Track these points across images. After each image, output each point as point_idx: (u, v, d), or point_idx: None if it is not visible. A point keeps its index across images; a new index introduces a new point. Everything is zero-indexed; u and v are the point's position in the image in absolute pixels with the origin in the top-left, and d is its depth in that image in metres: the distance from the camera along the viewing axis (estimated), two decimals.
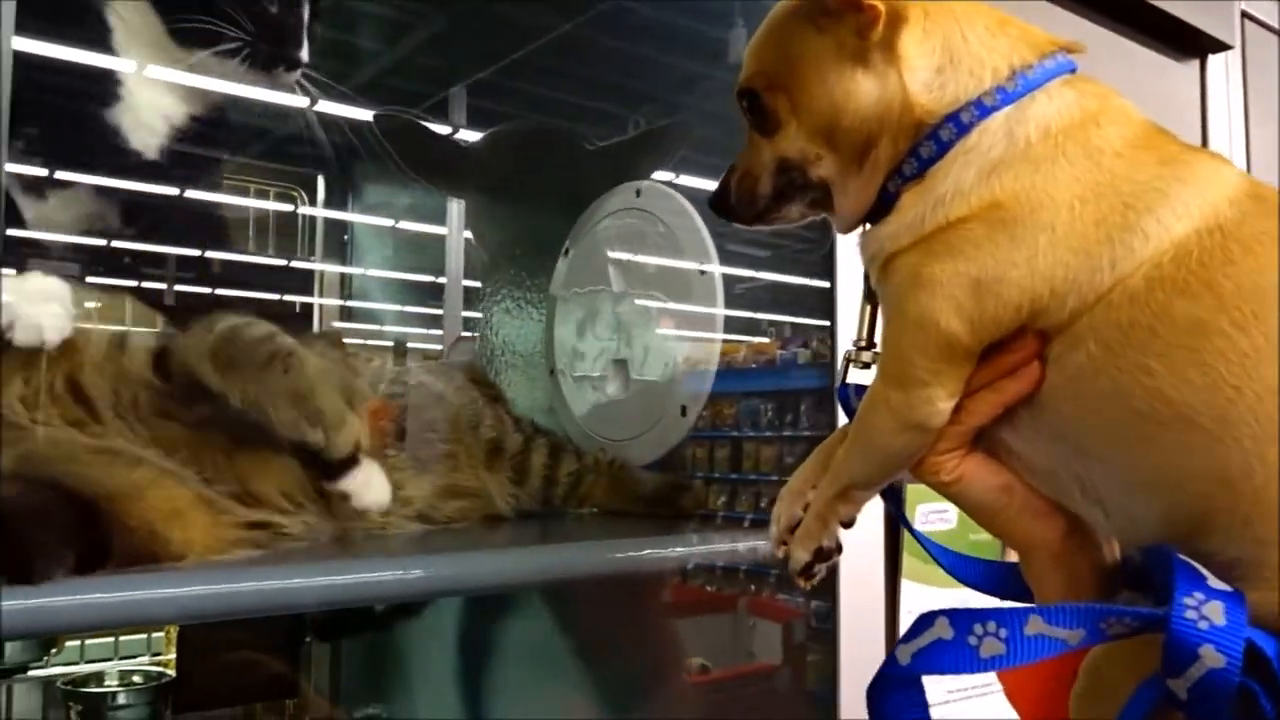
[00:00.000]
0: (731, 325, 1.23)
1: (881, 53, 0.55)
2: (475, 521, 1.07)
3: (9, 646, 1.60)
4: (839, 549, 0.61)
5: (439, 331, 1.83)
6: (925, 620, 0.54)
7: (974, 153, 0.54)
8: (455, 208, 1.81)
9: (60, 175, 1.10)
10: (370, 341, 1.94)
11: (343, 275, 1.89)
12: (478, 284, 1.80)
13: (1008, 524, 0.59)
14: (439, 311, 1.82)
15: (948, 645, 0.52)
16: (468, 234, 1.82)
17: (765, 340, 2.46)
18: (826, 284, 1.03)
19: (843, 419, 0.65)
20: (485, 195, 1.65)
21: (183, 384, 0.85)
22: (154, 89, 1.08)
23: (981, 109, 0.54)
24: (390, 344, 1.78)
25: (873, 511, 1.03)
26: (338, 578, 0.78)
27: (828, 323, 1.02)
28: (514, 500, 1.12)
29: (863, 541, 1.02)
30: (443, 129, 1.77)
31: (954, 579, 0.66)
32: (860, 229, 0.62)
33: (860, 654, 1.01)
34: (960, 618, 0.53)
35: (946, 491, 0.59)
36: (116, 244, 1.19)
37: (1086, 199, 0.52)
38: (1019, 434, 0.57)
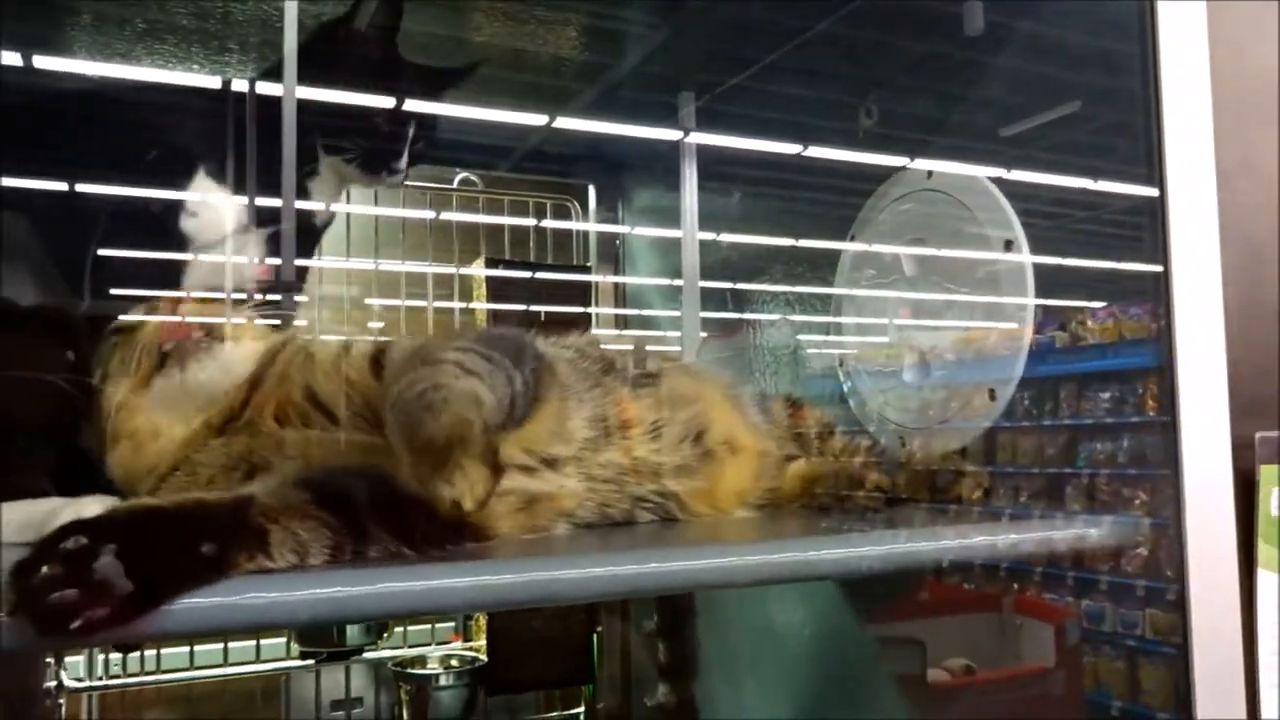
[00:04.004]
0: (987, 309, 1.17)
1: None
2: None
3: (349, 630, 1.80)
4: None
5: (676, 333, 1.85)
6: None
7: None
8: (689, 210, 1.83)
9: None
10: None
11: (616, 283, 1.97)
12: (716, 284, 1.82)
13: None
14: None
15: None
16: (703, 235, 1.84)
17: (1015, 326, 2.32)
18: (1159, 267, 0.96)
19: None
20: None
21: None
22: None
23: None
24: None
25: (1220, 496, 0.95)
26: (678, 564, 0.79)
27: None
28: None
29: (1211, 529, 0.94)
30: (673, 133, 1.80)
31: None
32: None
33: (1214, 654, 0.93)
34: None
35: None
36: None
37: None
38: None
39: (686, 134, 1.82)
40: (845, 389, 1.35)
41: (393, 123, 1.33)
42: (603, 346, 1.12)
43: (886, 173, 1.35)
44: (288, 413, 0.85)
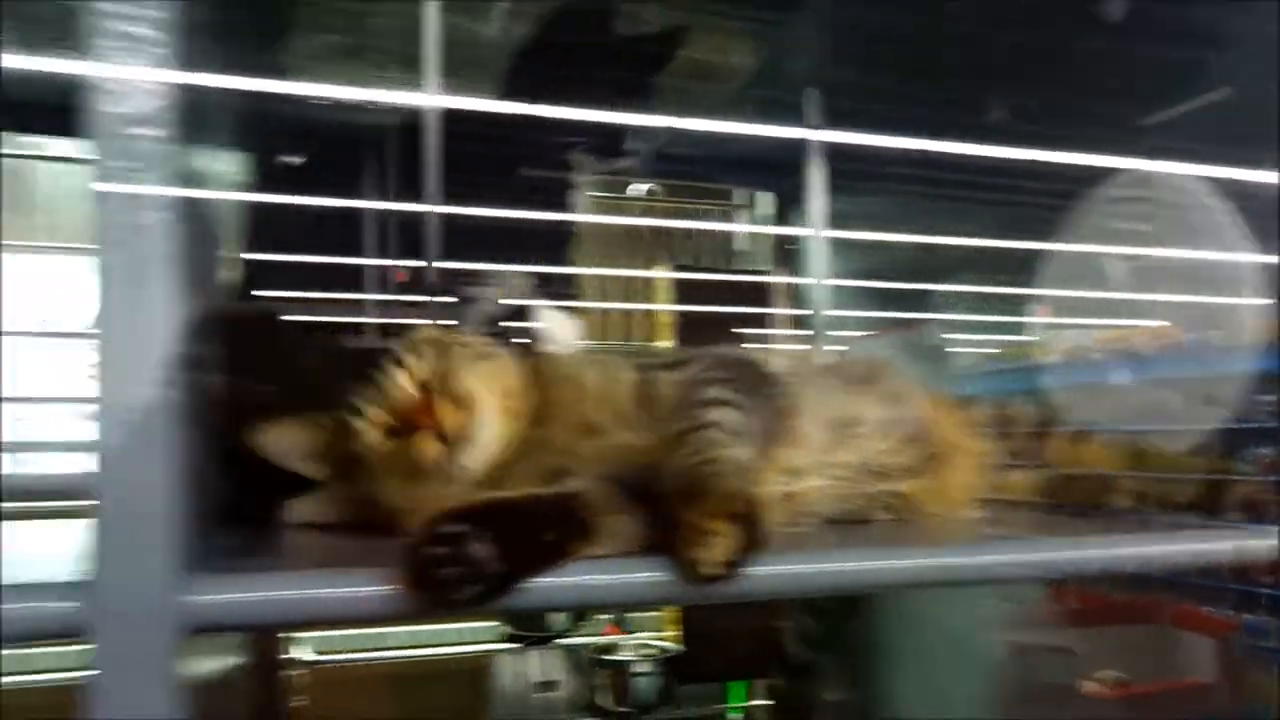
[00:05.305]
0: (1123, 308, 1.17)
1: None
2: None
3: (552, 618, 1.90)
4: None
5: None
6: None
7: None
8: (817, 210, 1.83)
9: None
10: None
11: (787, 284, 2.01)
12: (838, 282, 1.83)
13: None
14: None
15: None
16: (826, 233, 1.85)
17: (1160, 324, 2.24)
18: None
19: None
20: None
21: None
22: None
23: None
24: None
25: None
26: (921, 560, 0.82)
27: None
28: None
29: None
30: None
31: None
32: None
33: None
34: None
35: None
36: None
37: None
38: None
39: (813, 132, 1.82)
40: (1040, 388, 1.36)
41: (621, 102, 1.34)
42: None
43: (1098, 176, 1.35)
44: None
